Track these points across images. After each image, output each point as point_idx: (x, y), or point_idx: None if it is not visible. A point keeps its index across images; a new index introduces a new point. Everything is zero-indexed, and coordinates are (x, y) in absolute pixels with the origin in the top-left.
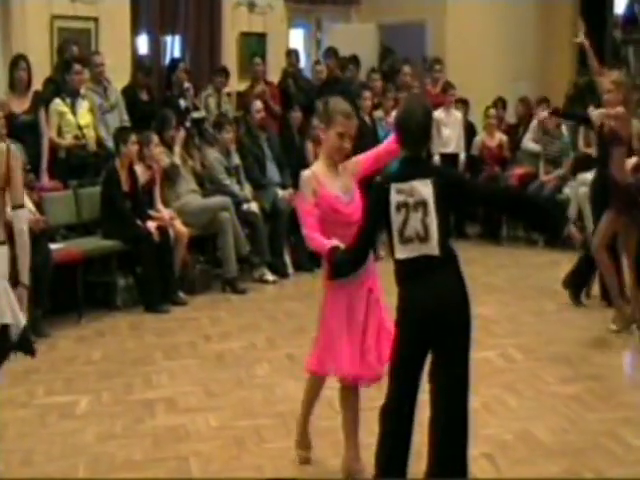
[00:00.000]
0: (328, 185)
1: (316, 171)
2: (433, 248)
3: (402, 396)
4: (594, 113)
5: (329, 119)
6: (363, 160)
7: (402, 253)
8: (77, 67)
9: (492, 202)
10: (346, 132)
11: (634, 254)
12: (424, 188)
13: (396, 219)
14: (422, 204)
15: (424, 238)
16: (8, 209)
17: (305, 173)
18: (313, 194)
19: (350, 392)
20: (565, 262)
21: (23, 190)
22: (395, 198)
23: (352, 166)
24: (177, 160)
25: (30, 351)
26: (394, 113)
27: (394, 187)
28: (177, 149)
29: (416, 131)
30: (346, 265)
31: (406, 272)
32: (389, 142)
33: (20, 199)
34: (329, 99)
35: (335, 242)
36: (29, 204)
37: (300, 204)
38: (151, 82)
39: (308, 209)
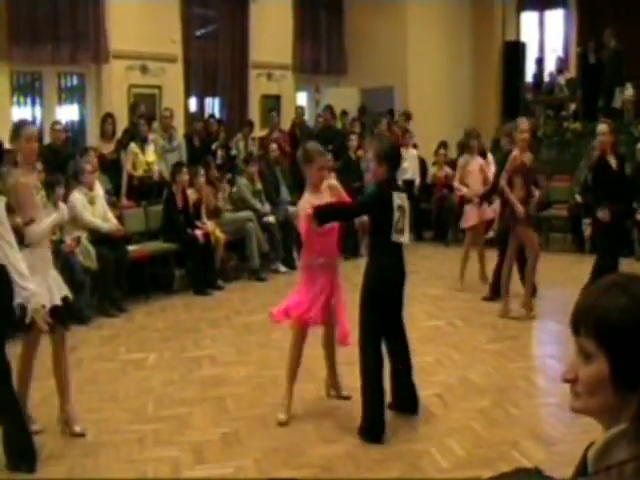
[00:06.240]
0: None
1: (307, 198)
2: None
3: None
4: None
5: (310, 159)
6: (340, 193)
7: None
8: (142, 121)
9: None
10: (323, 166)
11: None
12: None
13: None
14: (402, 209)
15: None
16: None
17: (301, 201)
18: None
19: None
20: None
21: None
22: (396, 202)
23: (333, 188)
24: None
25: (71, 320)
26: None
27: (395, 194)
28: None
29: (398, 159)
30: (325, 214)
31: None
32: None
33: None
34: (306, 144)
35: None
36: (113, 218)
37: (300, 221)
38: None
39: (304, 222)
